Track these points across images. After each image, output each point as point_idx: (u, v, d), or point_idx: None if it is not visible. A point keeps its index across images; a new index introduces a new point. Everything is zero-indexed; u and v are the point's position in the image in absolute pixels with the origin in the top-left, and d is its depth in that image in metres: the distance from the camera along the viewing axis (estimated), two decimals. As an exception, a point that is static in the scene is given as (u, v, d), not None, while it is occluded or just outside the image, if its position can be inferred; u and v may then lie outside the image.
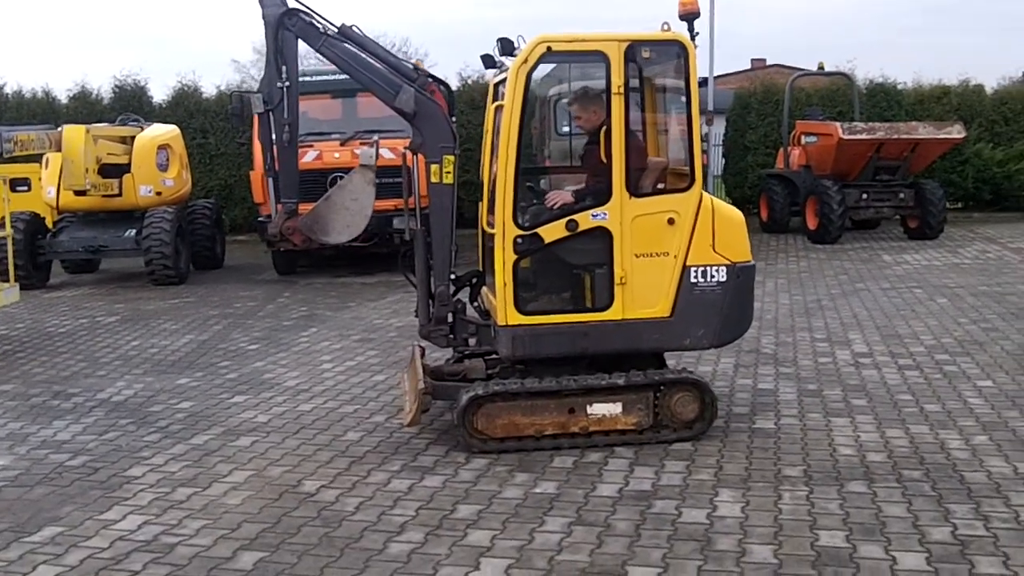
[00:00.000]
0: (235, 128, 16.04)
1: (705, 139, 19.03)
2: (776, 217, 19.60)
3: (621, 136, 6.25)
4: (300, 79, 15.94)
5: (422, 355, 7.32)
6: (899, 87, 22.84)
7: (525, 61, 6.19)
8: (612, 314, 6.42)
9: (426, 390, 6.53)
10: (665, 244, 6.41)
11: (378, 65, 6.82)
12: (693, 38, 6.39)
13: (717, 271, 6.47)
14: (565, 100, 8.32)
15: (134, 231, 14.86)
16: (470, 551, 4.94)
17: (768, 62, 48.55)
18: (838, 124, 17.60)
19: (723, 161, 23.46)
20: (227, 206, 20.71)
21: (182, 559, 4.93)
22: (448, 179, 6.61)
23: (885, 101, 22.36)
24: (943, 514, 5.22)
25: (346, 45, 6.83)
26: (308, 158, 14.58)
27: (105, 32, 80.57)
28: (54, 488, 6.03)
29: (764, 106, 22.51)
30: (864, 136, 17.24)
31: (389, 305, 12.52)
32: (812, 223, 18.08)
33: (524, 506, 5.51)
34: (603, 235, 6.37)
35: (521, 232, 6.34)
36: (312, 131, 14.93)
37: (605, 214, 6.33)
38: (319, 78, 15.48)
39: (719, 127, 23.56)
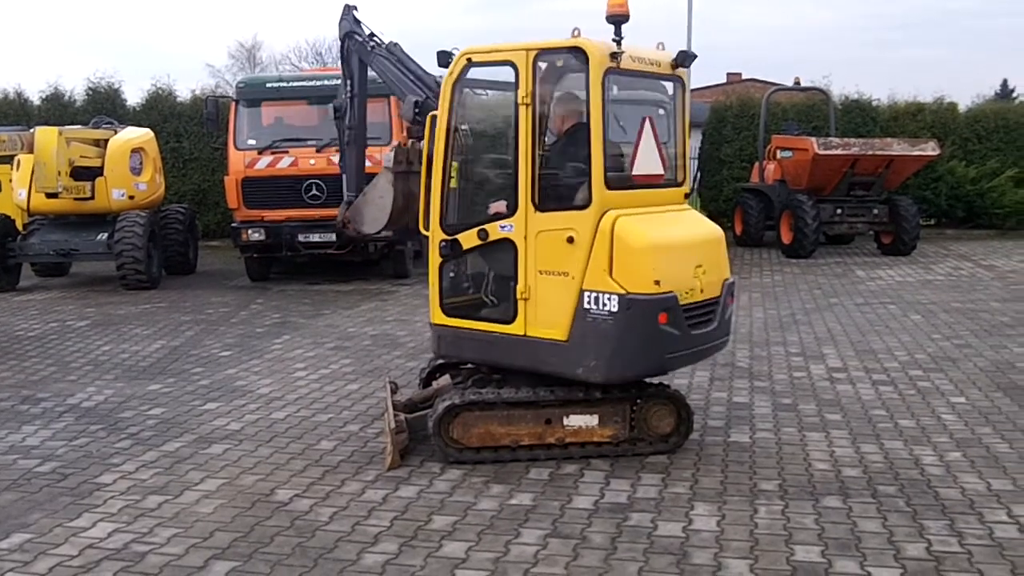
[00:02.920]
0: (209, 133, 15.98)
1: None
2: (751, 231, 19.69)
3: (528, 147, 6.13)
4: (277, 84, 15.96)
5: (394, 391, 7.28)
6: (874, 103, 23.02)
7: (451, 74, 6.39)
8: (515, 329, 6.34)
9: (399, 428, 6.51)
10: (565, 263, 6.16)
11: (405, 77, 7.66)
12: (619, 42, 6.05)
13: (609, 299, 6.00)
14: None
15: (106, 235, 14.74)
16: (445, 563, 4.90)
17: (744, 76, 48.82)
18: (814, 139, 17.70)
19: (698, 174, 23.54)
20: (200, 211, 20.59)
21: (153, 568, 4.87)
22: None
23: (860, 117, 22.53)
24: (918, 530, 5.23)
25: (386, 60, 7.78)
26: (283, 164, 14.52)
27: (79, 34, 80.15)
28: (22, 494, 5.95)
29: (740, 120, 22.64)
30: (839, 151, 17.35)
31: (363, 313, 12.46)
32: (786, 237, 18.16)
33: (500, 518, 5.48)
34: (509, 247, 6.30)
35: (445, 236, 6.46)
36: (288, 137, 14.87)
37: (511, 226, 6.28)
38: (296, 84, 15.43)
39: (695, 140, 23.65)
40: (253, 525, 5.41)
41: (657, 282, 6.02)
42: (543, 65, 6.22)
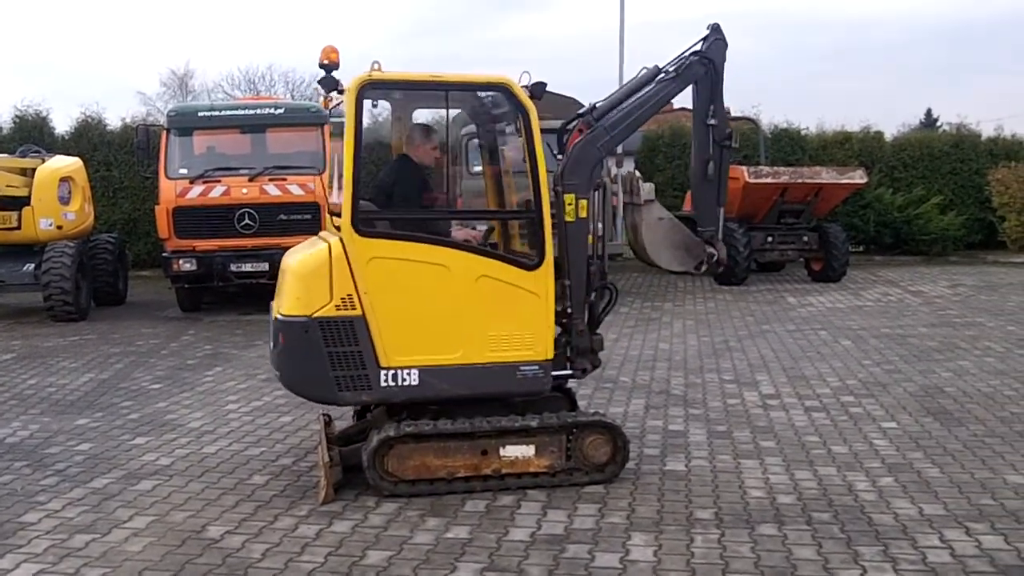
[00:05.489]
0: (140, 161, 15.71)
1: (615, 180, 19.16)
2: (684, 258, 19.79)
3: None
4: (208, 113, 15.73)
5: (327, 424, 7.20)
6: (803, 132, 23.43)
7: None
8: None
9: (333, 463, 6.44)
10: None
11: None
12: (326, 86, 6.64)
13: None
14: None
15: (33, 265, 14.46)
16: (380, 598, 4.84)
17: (676, 105, 49.28)
18: (744, 168, 17.91)
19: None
20: (131, 241, 20.28)
21: (79, 610, 4.74)
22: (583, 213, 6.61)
23: (790, 146, 22.94)
24: (852, 556, 5.27)
25: None
26: (215, 193, 14.37)
27: (3, 58, 78.72)
28: (-57, 535, 5.77)
29: (672, 148, 22.89)
30: (769, 180, 17.60)
31: (297, 343, 12.30)
32: (719, 264, 18.29)
33: (436, 552, 5.42)
34: None
35: None
36: (220, 166, 14.72)
37: None
38: (228, 112, 15.30)
39: (628, 168, 23.81)
40: (184, 563, 5.29)
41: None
42: None
